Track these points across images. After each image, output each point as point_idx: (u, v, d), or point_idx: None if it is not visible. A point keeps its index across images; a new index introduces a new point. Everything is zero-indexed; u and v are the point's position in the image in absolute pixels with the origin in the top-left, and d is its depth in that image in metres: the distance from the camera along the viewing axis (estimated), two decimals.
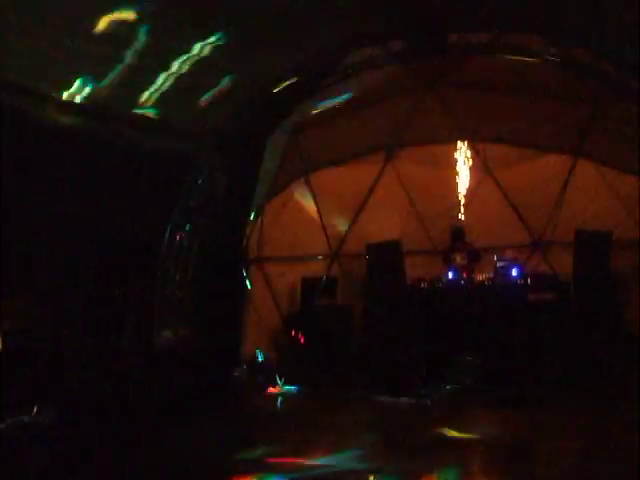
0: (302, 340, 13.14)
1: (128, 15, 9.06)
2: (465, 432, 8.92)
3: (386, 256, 12.98)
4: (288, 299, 14.04)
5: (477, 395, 10.54)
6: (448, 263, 13.03)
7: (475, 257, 12.92)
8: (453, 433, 8.87)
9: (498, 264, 12.42)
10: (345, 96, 12.89)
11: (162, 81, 11.67)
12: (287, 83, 12.64)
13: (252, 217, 14.22)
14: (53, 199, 11.69)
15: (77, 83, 10.71)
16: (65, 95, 11.09)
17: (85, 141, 12.44)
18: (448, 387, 10.75)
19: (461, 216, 13.46)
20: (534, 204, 12.98)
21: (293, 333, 13.30)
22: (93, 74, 10.85)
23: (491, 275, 12.38)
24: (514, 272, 12.08)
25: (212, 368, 11.99)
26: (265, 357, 13.30)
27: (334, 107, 13.13)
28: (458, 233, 13.32)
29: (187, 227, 14.47)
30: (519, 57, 11.79)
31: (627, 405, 9.82)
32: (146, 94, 12.44)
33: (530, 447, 8.12)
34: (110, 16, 8.96)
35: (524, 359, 10.99)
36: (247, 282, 13.94)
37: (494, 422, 9.38)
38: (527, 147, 12.95)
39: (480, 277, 12.35)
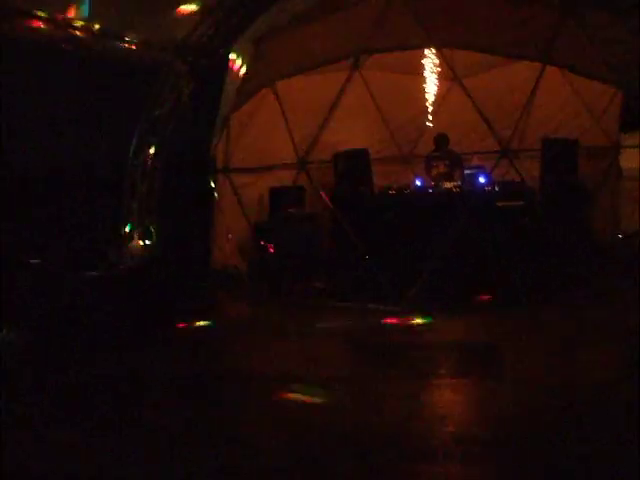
0: (271, 249, 13.15)
1: None
2: (434, 335, 9.08)
3: (354, 164, 12.95)
4: (256, 209, 13.99)
5: (445, 300, 10.66)
6: (429, 169, 13.03)
7: (457, 164, 12.93)
8: (422, 337, 9.02)
9: (466, 171, 12.45)
10: (311, 2, 12.64)
11: None
12: None
13: (219, 127, 14.04)
14: (14, 113, 11.50)
15: None
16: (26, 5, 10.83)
17: (47, 52, 12.19)
18: (416, 292, 10.81)
19: (429, 123, 13.44)
20: (502, 112, 12.93)
21: (262, 242, 13.30)
22: None
23: (459, 182, 12.41)
24: (482, 179, 12.10)
25: (181, 279, 12.00)
26: (234, 267, 13.31)
27: (300, 14, 12.87)
28: (442, 140, 13.29)
29: (153, 138, 14.34)
30: None
31: (591, 308, 10.06)
32: (107, 5, 12.19)
33: (498, 347, 8.30)
34: None
35: (492, 264, 11.09)
36: (215, 192, 13.83)
37: (463, 326, 9.55)
38: (496, 54, 12.81)
39: (448, 184, 12.36)
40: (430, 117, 13.54)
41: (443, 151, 13.20)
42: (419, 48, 13.14)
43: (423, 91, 13.46)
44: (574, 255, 11.52)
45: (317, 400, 6.47)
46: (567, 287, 10.93)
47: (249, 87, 13.90)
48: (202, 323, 10.18)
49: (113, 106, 13.40)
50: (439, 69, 13.25)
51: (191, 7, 12.75)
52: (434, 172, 12.94)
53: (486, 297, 10.66)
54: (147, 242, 14.10)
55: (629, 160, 14.77)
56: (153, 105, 14.25)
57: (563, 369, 7.25)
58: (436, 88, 13.45)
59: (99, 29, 12.36)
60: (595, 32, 12.50)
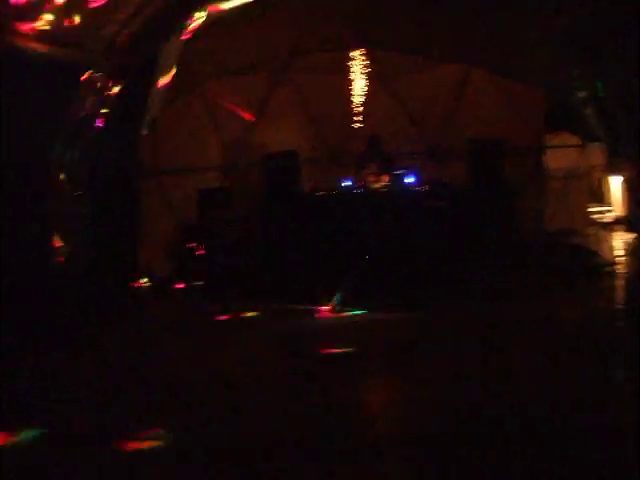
0: (199, 251, 13.06)
1: None
2: (361, 335, 9.11)
3: (282, 165, 12.91)
4: (185, 211, 13.87)
5: (372, 300, 10.72)
6: (360, 170, 13.05)
7: (388, 165, 12.98)
8: (349, 338, 9.04)
9: (394, 171, 12.53)
10: (238, 3, 12.56)
11: None
12: None
13: (146, 128, 13.87)
14: None
15: None
16: None
17: None
18: (344, 294, 10.84)
19: (357, 125, 13.49)
20: (429, 113, 13.09)
21: (190, 244, 13.19)
22: None
23: (387, 182, 12.48)
24: (409, 179, 12.19)
25: (110, 282, 11.82)
26: (163, 269, 13.18)
27: (228, 15, 12.79)
28: (375, 140, 13.32)
29: (78, 140, 14.08)
30: None
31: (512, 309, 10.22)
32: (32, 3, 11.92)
33: (424, 348, 8.36)
34: None
35: (418, 265, 11.19)
36: (143, 194, 13.66)
37: (388, 327, 9.59)
38: (423, 56, 12.96)
39: (377, 184, 12.41)
40: (359, 118, 13.60)
41: (375, 152, 13.24)
42: (347, 49, 13.19)
43: (352, 92, 13.50)
44: (499, 253, 11.70)
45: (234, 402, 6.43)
46: (491, 285, 11.08)
47: (177, 88, 13.76)
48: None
49: (36, 107, 13.14)
50: (368, 70, 13.30)
51: (117, 5, 12.56)
52: (365, 172, 12.97)
53: (415, 295, 10.71)
54: (73, 246, 13.85)
55: (553, 160, 15.10)
56: (79, 106, 14.00)
57: (482, 368, 7.32)
58: (365, 89, 13.51)
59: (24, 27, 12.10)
60: (519, 34, 12.72)
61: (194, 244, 13.13)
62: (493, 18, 12.38)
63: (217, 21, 12.83)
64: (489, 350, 7.93)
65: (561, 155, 14.79)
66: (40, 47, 12.74)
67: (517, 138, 13.90)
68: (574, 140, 14.59)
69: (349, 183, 12.66)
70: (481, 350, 7.99)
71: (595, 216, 17.05)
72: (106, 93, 13.90)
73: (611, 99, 14.01)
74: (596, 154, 15.31)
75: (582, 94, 13.83)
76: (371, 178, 12.62)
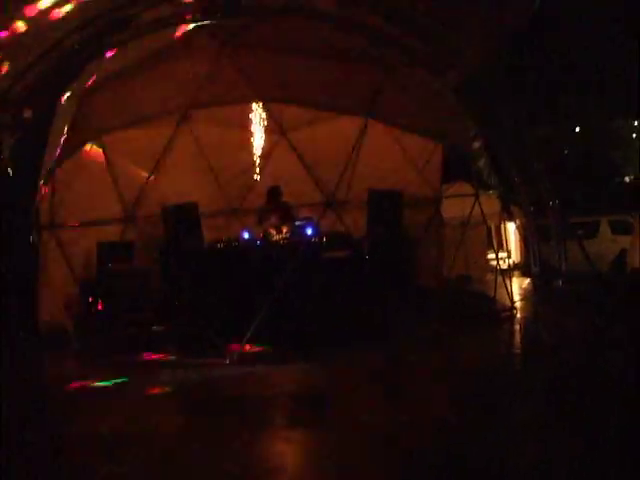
0: (99, 306, 12.84)
1: None
2: (264, 387, 9.10)
3: (183, 218, 12.86)
4: (84, 265, 13.61)
5: (272, 351, 10.75)
6: (261, 221, 13.11)
7: (288, 216, 13.09)
8: (252, 389, 9.02)
9: (295, 223, 12.64)
10: (137, 56, 12.58)
11: None
12: (75, 41, 12.20)
13: (43, 181, 13.64)
14: None
15: None
16: None
17: None
18: (243, 343, 10.82)
19: (256, 176, 13.60)
20: (328, 164, 13.25)
21: (90, 299, 12.95)
22: None
23: (287, 234, 12.57)
24: (309, 230, 12.31)
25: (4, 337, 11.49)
26: (60, 325, 12.88)
27: (126, 67, 12.78)
28: (275, 192, 13.41)
29: None
30: (312, 19, 11.98)
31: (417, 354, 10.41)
32: None
33: (327, 397, 8.41)
34: None
35: (318, 315, 11.27)
36: (39, 249, 13.37)
37: (292, 377, 9.61)
38: (321, 109, 13.17)
39: (277, 236, 12.50)
40: (258, 170, 13.72)
41: (276, 203, 13.34)
42: (245, 102, 13.32)
43: (251, 144, 13.64)
44: (399, 301, 11.90)
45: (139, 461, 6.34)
46: (390, 332, 11.26)
47: (75, 140, 13.60)
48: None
49: None
50: (266, 123, 13.46)
51: (13, 57, 12.41)
52: (266, 224, 13.05)
53: (314, 345, 10.76)
54: None
55: (450, 209, 15.51)
56: None
57: (392, 414, 7.42)
58: (264, 142, 13.65)
59: None
60: (414, 89, 13.09)
61: (93, 298, 12.89)
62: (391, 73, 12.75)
63: (114, 75, 12.84)
64: (390, 397, 8.08)
65: (458, 204, 15.20)
66: None
67: (415, 188, 14.23)
68: (470, 189, 15.02)
69: (249, 235, 12.71)
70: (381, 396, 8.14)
71: (492, 262, 17.53)
72: (1, 145, 13.69)
73: (502, 150, 14.52)
74: (491, 202, 15.80)
75: (476, 145, 14.29)
76: (271, 230, 12.71)
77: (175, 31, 12.19)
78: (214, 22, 12.06)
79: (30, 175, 13.62)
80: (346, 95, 12.89)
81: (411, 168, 14.30)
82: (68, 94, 13.37)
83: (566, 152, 31.59)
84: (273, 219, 13.05)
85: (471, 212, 14.44)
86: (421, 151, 14.37)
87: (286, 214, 13.17)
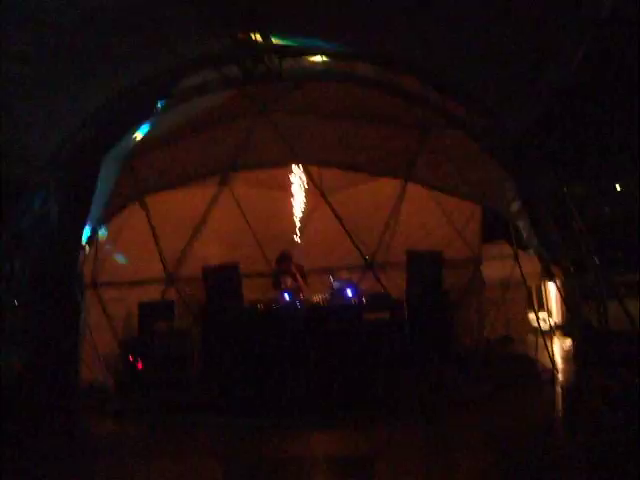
0: (140, 365, 12.92)
1: None
2: (305, 450, 9.07)
3: (223, 279, 12.98)
4: (125, 324, 13.76)
5: (315, 414, 10.70)
6: (277, 287, 13.23)
7: (303, 277, 13.20)
8: (294, 451, 8.99)
9: (334, 285, 12.67)
10: (180, 120, 12.83)
11: None
12: (120, 106, 12.50)
13: (87, 241, 13.88)
14: None
15: None
16: None
17: None
18: (287, 407, 10.78)
19: (297, 238, 13.71)
20: (367, 225, 13.34)
21: (130, 358, 13.05)
22: None
23: (327, 296, 12.59)
24: (349, 292, 12.32)
25: (47, 395, 11.60)
26: (103, 384, 12.96)
27: (169, 131, 13.04)
28: (284, 258, 13.54)
29: (18, 251, 14.01)
30: (350, 83, 12.14)
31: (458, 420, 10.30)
32: None
33: (369, 461, 8.37)
34: None
35: (360, 377, 11.23)
36: (82, 308, 13.54)
37: (333, 439, 9.56)
38: (359, 171, 13.28)
39: (316, 298, 12.53)
40: (298, 232, 13.82)
41: (287, 266, 13.46)
42: (285, 166, 13.48)
43: (291, 206, 13.76)
44: (438, 365, 11.82)
45: None
46: (430, 396, 11.15)
47: (118, 201, 13.85)
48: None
49: None
50: (306, 185, 13.59)
51: (61, 119, 12.73)
52: (283, 287, 13.17)
53: (356, 409, 10.70)
54: (12, 360, 13.63)
55: (490, 269, 15.41)
56: (19, 218, 14.00)
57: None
58: (304, 203, 13.78)
59: None
60: (452, 151, 13.14)
61: (134, 358, 12.99)
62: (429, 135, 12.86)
63: (158, 138, 13.10)
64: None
65: (498, 264, 15.11)
66: None
67: (455, 249, 14.21)
68: (510, 249, 14.93)
69: (289, 296, 12.76)
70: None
71: (533, 323, 17.34)
72: (47, 205, 13.97)
73: (542, 210, 14.44)
74: (531, 262, 15.68)
75: (515, 206, 14.25)
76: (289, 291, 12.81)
77: (217, 96, 12.41)
78: (255, 87, 12.27)
79: (74, 236, 13.87)
80: (384, 158, 13.03)
81: (451, 228, 14.30)
82: (112, 156, 13.66)
83: (607, 210, 31.38)
84: (288, 282, 13.19)
85: (511, 273, 14.35)
86: (460, 211, 14.37)
87: (300, 275, 13.29)
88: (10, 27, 9.65)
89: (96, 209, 13.81)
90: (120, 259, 13.83)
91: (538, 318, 16.21)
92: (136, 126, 13.07)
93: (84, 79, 11.22)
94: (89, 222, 13.82)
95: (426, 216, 14.32)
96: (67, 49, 10.31)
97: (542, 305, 19.42)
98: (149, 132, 13.16)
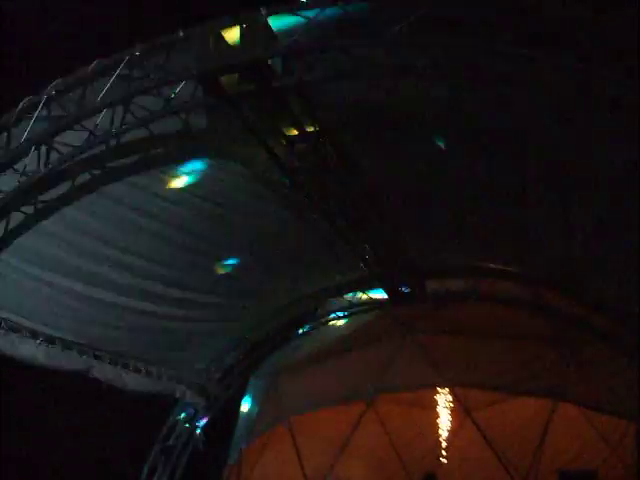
0: None
1: None
2: None
3: None
4: None
5: None
6: None
7: None
8: None
9: None
10: (326, 341, 13.16)
11: None
12: (267, 328, 12.94)
13: (232, 459, 14.01)
14: None
15: None
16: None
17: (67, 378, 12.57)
18: None
19: (443, 459, 13.42)
20: (514, 444, 12.97)
21: None
22: None
23: None
24: None
25: None
26: None
27: (314, 352, 13.35)
28: (428, 479, 13.28)
29: (166, 466, 14.26)
30: (494, 302, 12.22)
31: None
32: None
33: None
34: None
35: None
36: None
37: None
38: (505, 390, 13.06)
39: None
40: (444, 452, 13.54)
41: None
42: (430, 387, 13.44)
43: (436, 425, 13.58)
44: None
45: None
46: None
47: (263, 420, 14.03)
48: None
49: (128, 433, 13.65)
50: (451, 405, 13.46)
51: (211, 341, 13.22)
52: None
53: None
54: None
55: None
56: (168, 434, 14.33)
57: None
58: (449, 423, 13.58)
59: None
60: (602, 367, 12.79)
61: None
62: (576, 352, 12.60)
63: (303, 359, 13.39)
64: None
65: None
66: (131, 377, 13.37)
67: (609, 467, 13.53)
68: None
69: None
70: None
71: None
72: (194, 424, 14.28)
73: None
74: None
75: None
76: None
77: (361, 318, 12.75)
78: (400, 308, 12.53)
79: (220, 453, 14.05)
80: (530, 377, 12.78)
81: (603, 446, 13.66)
82: (258, 376, 14.02)
83: None
84: None
85: None
86: (614, 428, 13.76)
87: None
88: None
89: (242, 428, 14.05)
90: None
91: None
92: (282, 347, 13.47)
93: (236, 308, 11.79)
94: (234, 441, 14.05)
95: (576, 433, 13.76)
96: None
97: None
98: (295, 353, 13.51)
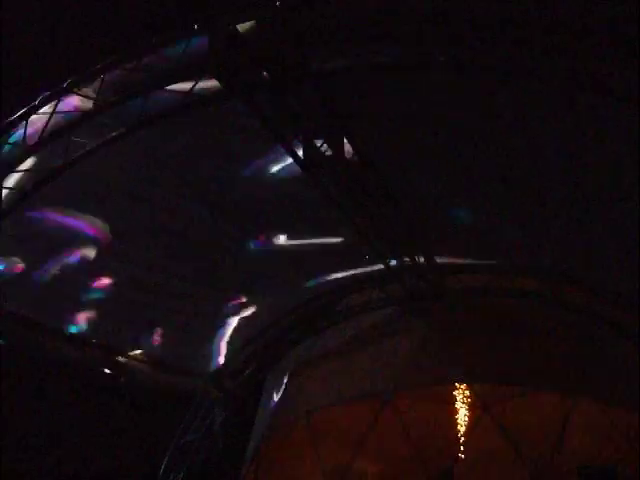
0: None
1: None
2: None
3: None
4: None
5: None
6: None
7: None
8: None
9: None
10: (344, 337, 13.13)
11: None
12: (286, 324, 12.95)
13: (249, 456, 13.99)
14: None
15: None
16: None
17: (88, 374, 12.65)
18: None
19: (460, 454, 13.37)
20: (533, 441, 12.89)
21: None
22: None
23: None
24: None
25: None
26: None
27: (333, 347, 13.33)
28: (446, 473, 13.20)
29: (183, 462, 14.29)
30: (512, 298, 12.17)
31: None
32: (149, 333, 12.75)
33: None
34: None
35: None
36: None
37: None
38: (525, 385, 13.00)
39: None
40: (461, 447, 13.48)
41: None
42: (449, 383, 13.40)
43: (454, 421, 13.53)
44: None
45: None
46: None
47: (281, 416, 14.01)
48: None
49: (147, 429, 13.71)
50: (469, 400, 13.42)
51: (229, 338, 13.25)
52: None
53: None
54: None
55: None
56: (186, 429, 14.35)
57: None
58: (467, 418, 13.52)
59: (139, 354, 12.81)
60: (623, 363, 12.71)
61: None
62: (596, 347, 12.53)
63: (321, 354, 13.38)
64: None
65: None
66: (149, 372, 13.44)
67: (630, 462, 13.41)
68: None
69: None
70: None
71: None
72: (212, 419, 14.31)
73: None
74: None
75: None
76: None
77: (380, 314, 12.72)
78: (418, 305, 12.50)
79: (238, 449, 14.05)
80: (549, 372, 12.73)
81: (623, 442, 13.53)
82: (277, 371, 14.00)
83: None
84: None
85: None
86: (633, 424, 13.65)
87: None
88: None
89: (259, 424, 14.04)
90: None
91: None
92: (301, 343, 13.47)
93: (255, 302, 11.82)
94: (252, 437, 14.03)
95: (595, 428, 13.65)
96: None
97: None
98: (314, 349, 13.49)
